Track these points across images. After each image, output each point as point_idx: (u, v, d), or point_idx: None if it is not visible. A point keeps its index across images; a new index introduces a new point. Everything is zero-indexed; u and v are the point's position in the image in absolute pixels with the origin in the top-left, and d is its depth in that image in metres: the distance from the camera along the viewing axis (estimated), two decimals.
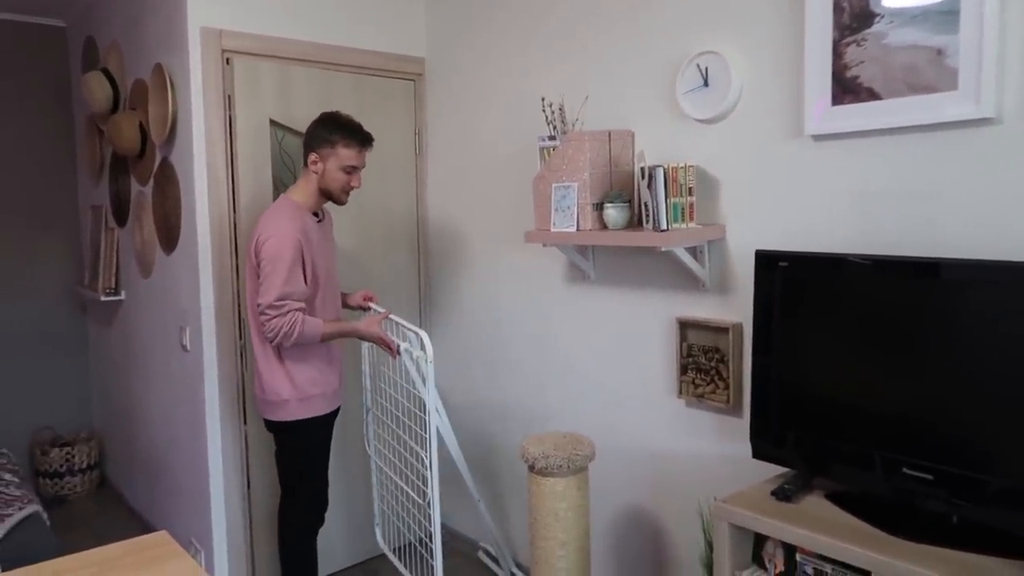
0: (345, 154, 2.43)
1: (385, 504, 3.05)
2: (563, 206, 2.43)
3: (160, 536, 1.79)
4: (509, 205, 2.98)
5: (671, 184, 2.18)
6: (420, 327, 3.39)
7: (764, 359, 1.97)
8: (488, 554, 3.20)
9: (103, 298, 3.65)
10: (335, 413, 2.62)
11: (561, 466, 2.22)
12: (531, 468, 2.28)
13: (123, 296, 3.67)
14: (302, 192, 2.48)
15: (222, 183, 2.79)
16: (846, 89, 1.90)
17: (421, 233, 3.41)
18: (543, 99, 2.71)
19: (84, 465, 4.13)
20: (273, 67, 2.89)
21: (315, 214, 2.51)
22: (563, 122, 2.64)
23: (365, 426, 2.97)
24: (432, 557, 2.50)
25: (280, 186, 2.97)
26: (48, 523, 3.32)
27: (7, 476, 3.18)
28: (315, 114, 2.71)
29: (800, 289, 1.89)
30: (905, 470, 1.67)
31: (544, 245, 2.64)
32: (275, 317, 2.31)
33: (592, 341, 2.71)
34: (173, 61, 2.84)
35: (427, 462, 2.47)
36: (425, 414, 2.49)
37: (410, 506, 2.91)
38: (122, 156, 3.37)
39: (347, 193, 2.50)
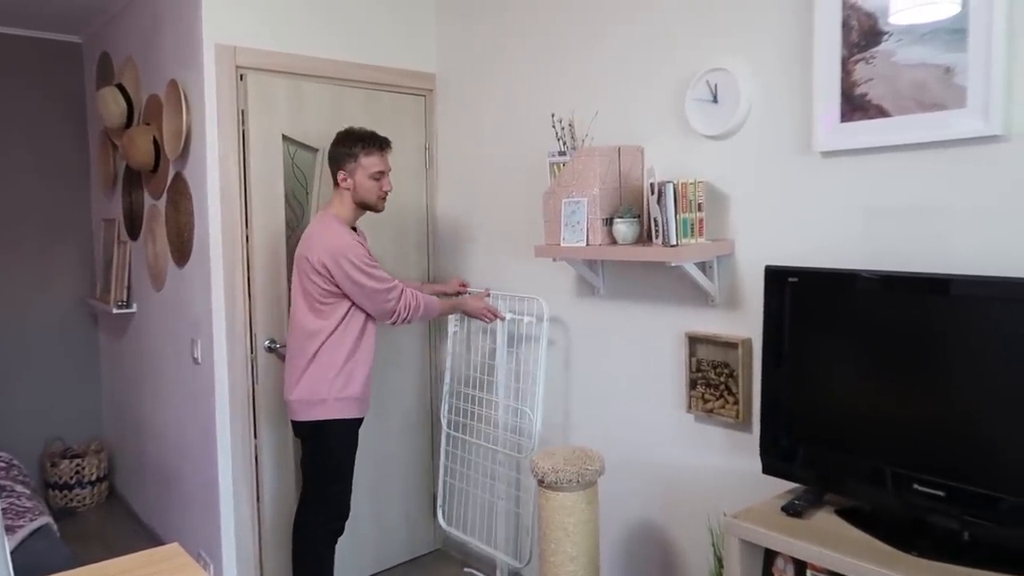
0: (368, 162, 2.53)
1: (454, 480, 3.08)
2: (573, 221, 2.45)
3: (172, 548, 1.80)
4: (519, 219, 3.00)
5: (680, 200, 2.20)
6: (429, 343, 3.42)
7: (774, 374, 1.97)
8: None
9: (115, 311, 3.68)
10: (362, 420, 2.67)
11: (571, 480, 2.23)
12: (540, 482, 2.29)
13: (135, 309, 3.70)
14: (339, 209, 2.58)
15: (235, 198, 2.82)
16: (855, 106, 1.92)
17: (432, 247, 3.43)
18: (553, 115, 2.73)
19: (93, 477, 4.15)
20: (286, 83, 2.92)
21: (354, 229, 2.61)
22: (573, 138, 2.66)
23: (442, 404, 3.18)
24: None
25: (292, 201, 3.00)
26: (59, 535, 3.34)
27: (19, 488, 3.20)
28: (327, 129, 2.77)
29: (810, 305, 1.89)
30: (916, 486, 1.67)
31: (554, 260, 2.65)
32: (398, 299, 2.54)
33: (601, 355, 2.71)
34: (188, 77, 2.88)
35: (532, 417, 2.80)
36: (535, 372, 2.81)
37: (476, 488, 2.92)
38: (136, 170, 3.41)
39: (383, 199, 2.62)
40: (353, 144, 2.54)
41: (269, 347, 2.92)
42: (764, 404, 2.00)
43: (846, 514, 1.82)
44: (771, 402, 1.99)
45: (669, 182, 2.16)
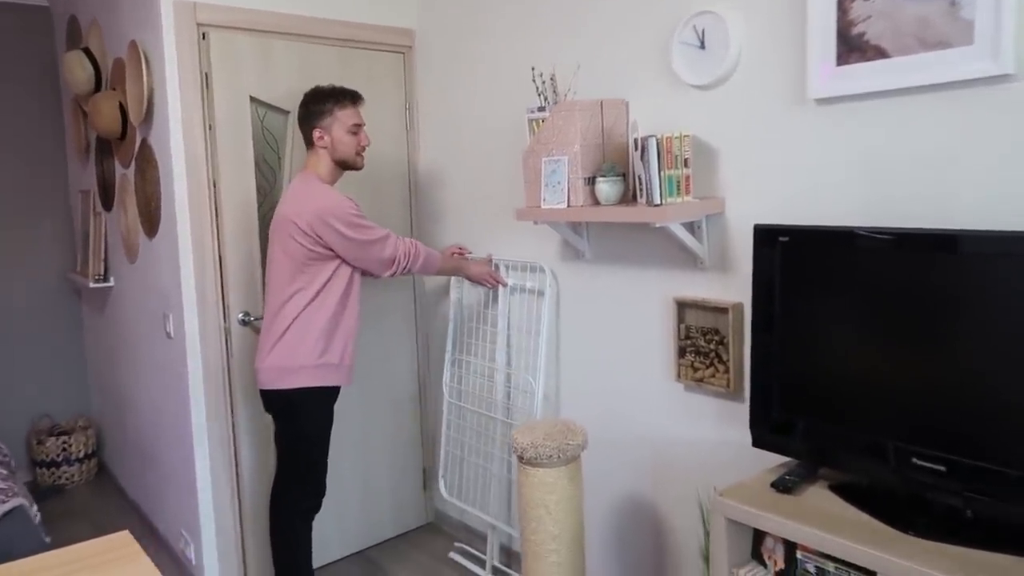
0: (344, 115, 2.44)
1: (455, 449, 2.98)
2: (553, 181, 2.30)
3: (122, 537, 1.70)
4: (504, 181, 2.85)
5: (665, 155, 2.04)
6: (414, 317, 3.30)
7: (764, 342, 1.84)
8: (464, 552, 3.12)
9: (92, 284, 3.57)
10: (338, 392, 2.56)
11: (551, 456, 2.11)
12: (520, 458, 2.17)
13: (112, 283, 3.58)
14: (319, 170, 2.47)
15: (201, 164, 2.68)
16: (852, 47, 1.75)
17: (414, 213, 3.28)
18: (533, 69, 2.56)
19: (81, 454, 4.07)
20: (252, 41, 2.76)
21: None
22: (555, 93, 2.50)
23: (445, 372, 3.10)
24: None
25: (263, 166, 2.85)
26: (38, 516, 3.26)
27: None
28: (298, 90, 2.62)
29: (803, 266, 1.75)
30: (915, 460, 1.54)
31: (535, 223, 2.51)
32: (395, 246, 2.46)
33: (587, 322, 2.58)
34: (147, 37, 2.72)
35: (535, 386, 2.69)
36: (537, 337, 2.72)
37: (476, 457, 2.82)
38: (105, 138, 3.27)
39: (362, 155, 2.52)
40: (325, 100, 2.43)
41: (243, 320, 2.80)
42: (754, 373, 1.87)
43: (840, 490, 1.69)
44: (761, 371, 1.85)
45: (652, 136, 2.00)
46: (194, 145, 2.66)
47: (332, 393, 2.52)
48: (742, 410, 2.12)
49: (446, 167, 3.14)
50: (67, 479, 4.05)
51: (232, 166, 2.74)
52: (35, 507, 3.24)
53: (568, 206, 2.26)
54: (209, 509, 2.81)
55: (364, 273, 2.50)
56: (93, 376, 4.23)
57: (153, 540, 3.34)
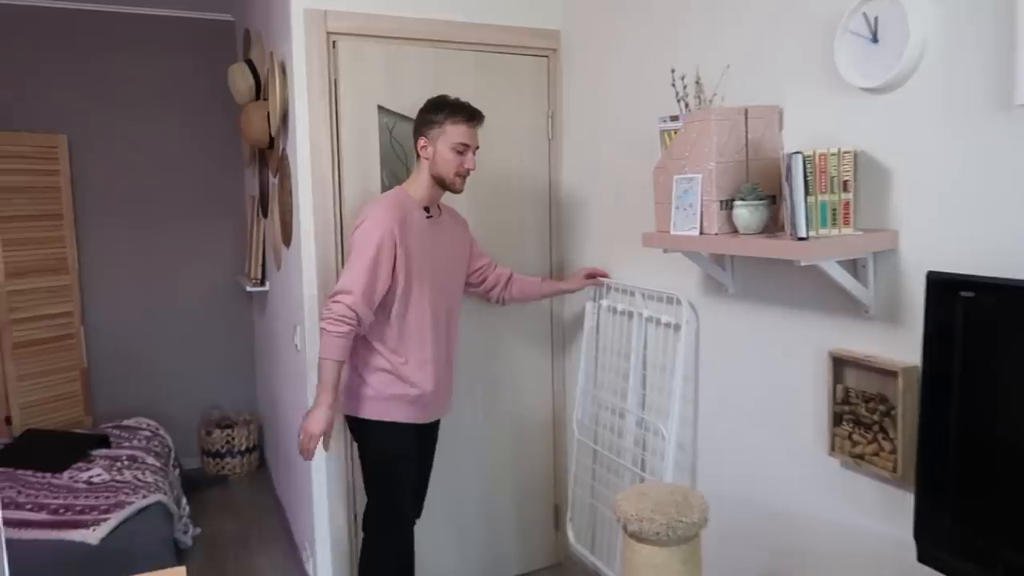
0: (453, 131, 2.26)
1: (583, 491, 2.78)
2: (684, 203, 1.95)
3: (175, 572, 1.62)
4: (641, 200, 2.51)
5: (817, 176, 1.63)
6: (551, 344, 3.05)
7: (936, 424, 1.39)
8: None
9: (248, 288, 3.69)
10: (425, 427, 2.39)
11: (659, 533, 1.77)
12: (624, 529, 1.85)
13: (267, 287, 3.68)
14: (414, 183, 2.35)
15: (327, 175, 2.61)
16: None
17: (554, 232, 3.03)
18: (673, 71, 2.21)
19: (243, 447, 4.27)
20: (382, 49, 2.65)
21: (426, 209, 2.34)
22: (698, 98, 2.14)
23: (576, 407, 2.84)
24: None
25: (392, 179, 2.74)
26: (186, 509, 3.40)
27: (150, 459, 3.30)
28: (428, 97, 2.46)
29: (995, 330, 1.28)
30: None
31: (664, 251, 2.16)
32: (350, 297, 2.16)
33: (729, 366, 2.19)
34: (283, 47, 2.70)
35: (665, 434, 2.35)
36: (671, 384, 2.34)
37: (606, 505, 2.59)
38: (258, 147, 3.35)
39: (461, 177, 2.31)
40: (439, 110, 2.28)
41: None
42: (922, 465, 1.42)
43: None
44: (932, 462, 1.41)
45: (797, 153, 1.60)
46: (320, 156, 2.59)
47: (408, 428, 2.34)
48: (911, 502, 1.65)
49: (588, 182, 2.85)
50: (230, 470, 4.25)
51: (357, 177, 2.65)
52: (184, 500, 3.39)
53: (700, 233, 1.90)
54: (325, 524, 2.75)
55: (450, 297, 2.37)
56: (259, 372, 4.42)
57: (287, 544, 3.38)
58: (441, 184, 2.31)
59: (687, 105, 2.14)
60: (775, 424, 2.03)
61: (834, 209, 1.64)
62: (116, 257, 4.16)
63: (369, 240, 2.19)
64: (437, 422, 2.51)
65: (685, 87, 2.15)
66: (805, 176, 1.60)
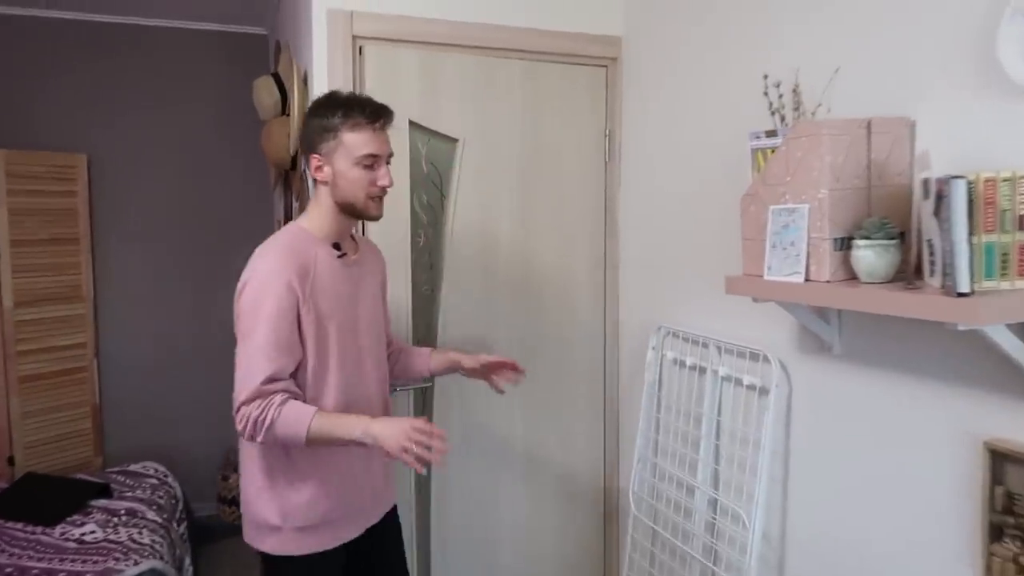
0: (354, 140, 1.66)
1: None
2: (784, 240, 1.53)
3: None
4: (720, 233, 2.10)
5: (980, 209, 1.20)
6: (603, 394, 2.64)
7: None
8: None
9: None
10: (361, 537, 1.82)
11: None
12: None
13: None
14: (313, 215, 1.74)
15: None
16: None
17: (610, 272, 2.61)
18: (766, 78, 1.80)
19: None
20: (415, 56, 2.30)
21: (336, 246, 1.74)
22: (797, 110, 1.72)
23: (632, 476, 2.37)
24: None
25: (424, 210, 2.37)
26: (190, 570, 3.05)
27: (150, 514, 2.96)
28: (470, 113, 2.13)
29: None
30: None
31: (754, 300, 1.73)
32: (248, 403, 1.57)
33: (832, 445, 1.74)
34: (305, 55, 2.38)
35: (747, 521, 1.88)
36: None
37: None
38: (283, 168, 3.03)
39: (376, 200, 1.72)
40: (330, 113, 1.67)
41: (393, 386, 2.33)
42: None
43: None
44: None
45: (958, 178, 1.17)
46: None
47: (336, 553, 1.76)
48: None
49: (651, 212, 2.44)
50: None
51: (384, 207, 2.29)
52: (188, 560, 3.03)
53: (806, 280, 1.48)
54: None
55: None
56: None
57: None
58: (351, 212, 1.72)
59: (783, 119, 1.72)
60: (897, 528, 1.57)
61: (1005, 254, 1.20)
62: (134, 285, 3.87)
63: (256, 310, 1.59)
64: (390, 512, 1.93)
65: (781, 96, 1.73)
66: (969, 209, 1.16)
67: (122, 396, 3.86)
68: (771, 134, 1.63)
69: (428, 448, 1.54)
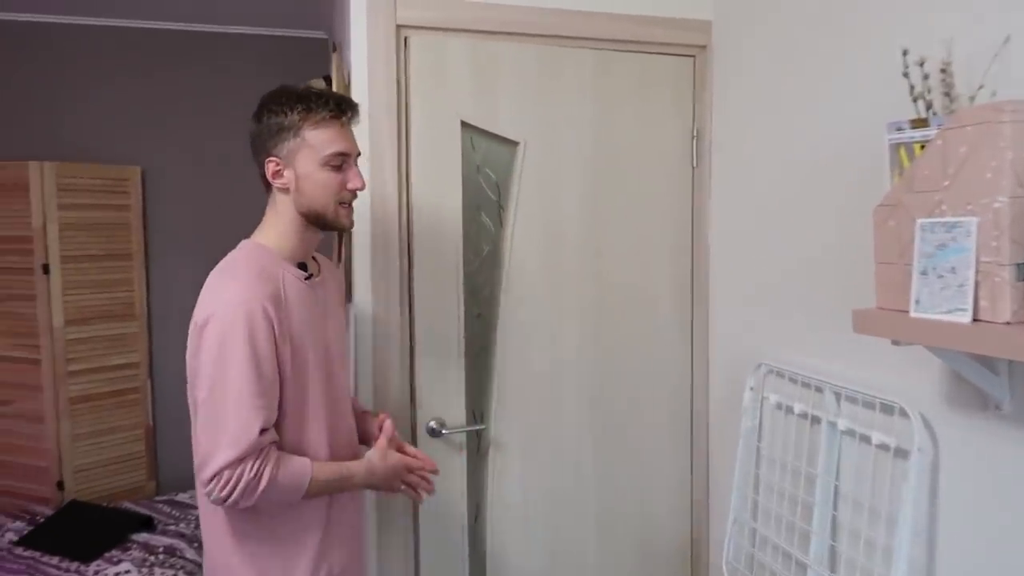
0: (318, 137, 1.44)
1: None
2: (941, 265, 1.14)
3: None
4: (836, 254, 1.70)
5: None
6: (690, 440, 2.26)
7: None
8: None
9: None
10: None
11: None
12: None
13: None
14: (273, 229, 1.51)
15: (391, 213, 1.97)
16: None
17: (698, 295, 2.24)
18: (905, 54, 1.40)
19: None
20: (469, 47, 2.00)
21: (301, 266, 1.52)
22: (948, 95, 1.32)
23: (726, 543, 1.98)
24: None
25: (479, 222, 2.06)
26: None
27: (189, 553, 2.81)
28: (531, 112, 1.86)
29: None
30: None
31: (894, 343, 1.33)
32: (239, 462, 1.32)
33: (998, 526, 1.33)
34: (347, 52, 2.11)
35: None
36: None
37: None
38: None
39: (347, 206, 1.50)
40: (288, 109, 1.43)
41: (434, 430, 2.02)
42: None
43: None
44: None
45: None
46: (383, 190, 1.95)
47: None
48: None
49: (748, 225, 2.06)
50: None
51: (431, 212, 1.99)
52: None
53: (974, 320, 1.08)
54: None
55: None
56: None
57: None
58: (317, 222, 1.49)
59: (929, 105, 1.32)
60: None
61: None
62: (190, 302, 3.68)
63: (230, 351, 1.34)
64: None
65: (926, 77, 1.33)
66: None
67: (177, 419, 3.69)
68: (919, 123, 1.24)
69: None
